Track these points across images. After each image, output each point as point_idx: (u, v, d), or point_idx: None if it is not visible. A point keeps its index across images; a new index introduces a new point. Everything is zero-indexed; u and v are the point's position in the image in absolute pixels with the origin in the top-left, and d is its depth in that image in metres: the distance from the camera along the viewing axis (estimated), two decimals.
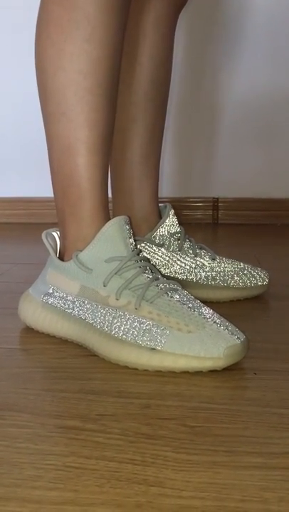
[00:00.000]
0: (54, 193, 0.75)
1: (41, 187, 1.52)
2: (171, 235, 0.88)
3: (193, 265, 0.87)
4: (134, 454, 0.48)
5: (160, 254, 0.87)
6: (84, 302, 0.69)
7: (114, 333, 0.66)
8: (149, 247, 0.86)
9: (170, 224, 0.88)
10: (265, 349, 0.70)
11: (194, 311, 0.66)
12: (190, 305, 0.67)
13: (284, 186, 1.45)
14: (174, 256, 0.87)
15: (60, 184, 0.73)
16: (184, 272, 0.87)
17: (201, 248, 0.91)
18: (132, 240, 0.70)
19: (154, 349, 0.63)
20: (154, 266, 0.84)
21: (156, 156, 0.92)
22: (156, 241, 0.87)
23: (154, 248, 0.87)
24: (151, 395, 0.58)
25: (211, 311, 0.68)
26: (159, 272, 0.86)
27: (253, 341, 0.72)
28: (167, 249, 0.87)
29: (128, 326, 0.65)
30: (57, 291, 0.72)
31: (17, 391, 0.59)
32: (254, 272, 0.90)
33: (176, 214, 0.95)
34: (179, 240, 0.89)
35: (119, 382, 0.61)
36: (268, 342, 0.72)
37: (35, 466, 0.47)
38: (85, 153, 0.70)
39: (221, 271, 0.88)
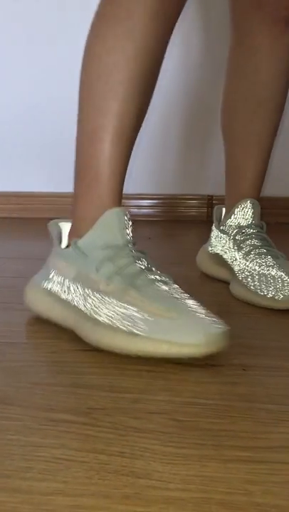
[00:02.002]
0: (74, 174, 0.79)
1: (33, 182, 1.52)
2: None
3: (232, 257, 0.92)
4: (123, 447, 0.49)
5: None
6: (77, 287, 0.71)
7: (100, 319, 0.68)
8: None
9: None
10: (255, 346, 0.71)
11: (179, 300, 0.67)
12: (176, 296, 0.68)
13: (278, 184, 1.46)
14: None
15: (79, 165, 0.77)
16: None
17: (262, 246, 0.90)
18: (128, 231, 0.72)
19: (137, 334, 0.64)
20: (149, 259, 0.83)
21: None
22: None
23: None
24: (141, 390, 0.59)
25: (198, 303, 0.69)
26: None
27: (242, 338, 0.73)
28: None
29: (113, 312, 0.67)
30: (57, 276, 0.75)
31: (9, 385, 0.60)
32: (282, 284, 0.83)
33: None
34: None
35: (111, 377, 0.62)
36: (258, 339, 0.73)
37: (26, 457, 0.47)
38: (106, 140, 0.73)
39: (245, 269, 0.88)
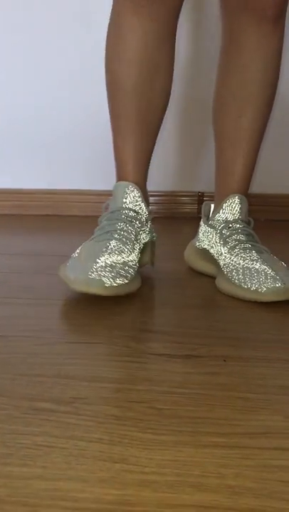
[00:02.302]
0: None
1: (30, 179, 1.53)
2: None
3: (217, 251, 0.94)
4: (102, 434, 0.50)
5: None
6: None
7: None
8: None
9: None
10: (238, 338, 0.72)
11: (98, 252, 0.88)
12: (103, 249, 0.88)
13: (268, 182, 1.47)
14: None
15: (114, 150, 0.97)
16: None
17: (247, 242, 0.92)
18: (125, 200, 0.92)
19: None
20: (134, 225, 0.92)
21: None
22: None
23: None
24: (123, 380, 0.61)
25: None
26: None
27: (226, 331, 0.75)
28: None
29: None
30: None
31: None
32: (270, 276, 0.84)
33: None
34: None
35: (94, 368, 0.63)
36: (241, 331, 0.75)
37: (7, 444, 0.49)
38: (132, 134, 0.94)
39: (230, 264, 0.90)
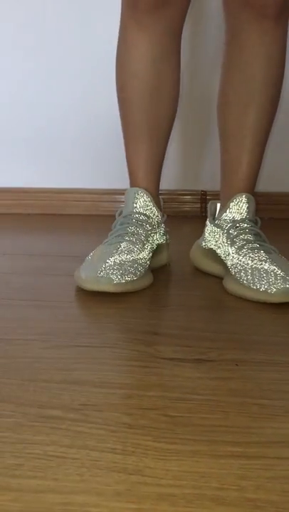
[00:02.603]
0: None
1: (27, 177, 1.51)
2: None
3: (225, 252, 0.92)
4: (114, 443, 0.49)
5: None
6: None
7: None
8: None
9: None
10: (248, 341, 0.70)
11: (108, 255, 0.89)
12: (114, 250, 0.90)
13: (271, 180, 1.45)
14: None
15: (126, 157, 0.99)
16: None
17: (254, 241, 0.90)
18: (136, 204, 0.93)
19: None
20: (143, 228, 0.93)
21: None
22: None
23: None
24: (133, 386, 0.59)
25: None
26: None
27: (235, 333, 0.73)
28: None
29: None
30: None
31: (0, 381, 0.60)
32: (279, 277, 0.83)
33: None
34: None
35: (103, 373, 0.62)
36: (251, 334, 0.73)
37: (16, 455, 0.47)
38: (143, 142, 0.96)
39: (238, 264, 0.88)
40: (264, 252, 0.88)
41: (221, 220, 0.93)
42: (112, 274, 0.84)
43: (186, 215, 1.50)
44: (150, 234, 0.93)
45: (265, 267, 0.85)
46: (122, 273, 0.84)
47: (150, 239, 0.93)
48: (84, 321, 0.77)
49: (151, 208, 0.94)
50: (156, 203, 0.97)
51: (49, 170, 1.51)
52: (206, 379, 0.61)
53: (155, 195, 0.98)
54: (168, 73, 0.94)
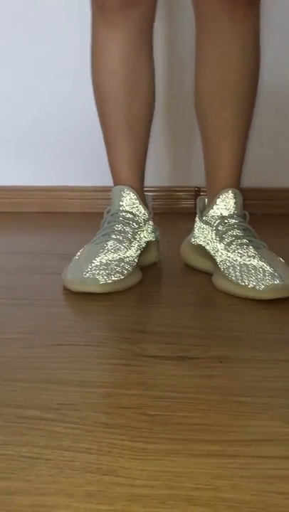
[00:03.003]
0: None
1: (20, 176, 1.51)
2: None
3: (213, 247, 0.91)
4: (90, 443, 0.48)
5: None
6: None
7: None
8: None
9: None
10: (234, 337, 0.69)
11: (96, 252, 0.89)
12: (100, 249, 0.89)
13: (264, 176, 1.44)
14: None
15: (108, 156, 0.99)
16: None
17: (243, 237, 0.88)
18: (122, 203, 0.92)
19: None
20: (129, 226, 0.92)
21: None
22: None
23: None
24: (114, 384, 0.58)
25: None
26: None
27: (222, 330, 0.72)
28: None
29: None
30: None
31: None
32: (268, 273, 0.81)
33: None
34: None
35: (84, 372, 0.61)
36: (237, 330, 0.72)
37: None
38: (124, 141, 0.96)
39: (227, 260, 0.87)
40: (253, 247, 0.86)
41: (208, 217, 0.92)
42: (98, 274, 0.83)
43: (180, 211, 1.49)
44: (137, 232, 0.92)
45: (254, 263, 0.83)
46: (108, 273, 0.84)
47: (137, 237, 0.92)
48: (70, 320, 0.77)
49: (137, 206, 0.93)
50: (142, 200, 0.96)
51: (42, 168, 1.50)
52: (188, 376, 0.60)
53: (140, 192, 0.97)
54: (142, 70, 0.93)
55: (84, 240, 0.96)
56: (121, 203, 0.93)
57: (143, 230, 0.93)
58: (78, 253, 0.91)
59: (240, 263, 0.84)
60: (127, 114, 0.94)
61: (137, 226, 0.92)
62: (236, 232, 0.89)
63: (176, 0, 1.37)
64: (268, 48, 1.37)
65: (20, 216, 1.48)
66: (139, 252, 0.91)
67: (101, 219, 0.96)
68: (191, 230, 1.03)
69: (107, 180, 1.01)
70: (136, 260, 0.90)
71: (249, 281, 0.82)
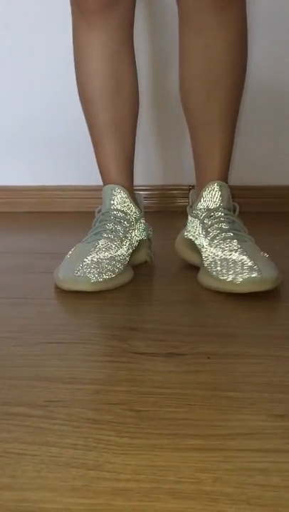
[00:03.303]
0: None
1: (15, 176, 1.51)
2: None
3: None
4: (76, 439, 0.48)
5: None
6: None
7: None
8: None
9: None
10: (222, 334, 0.70)
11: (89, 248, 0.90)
12: (91, 248, 0.90)
13: (258, 174, 1.44)
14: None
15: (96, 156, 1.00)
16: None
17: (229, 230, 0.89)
18: (113, 201, 0.93)
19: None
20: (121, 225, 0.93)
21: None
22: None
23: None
24: (102, 381, 0.59)
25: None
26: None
27: (210, 326, 0.72)
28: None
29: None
30: None
31: None
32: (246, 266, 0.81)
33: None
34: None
35: (73, 369, 0.61)
36: (224, 326, 0.72)
37: None
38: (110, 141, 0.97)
39: (210, 256, 0.87)
40: (237, 241, 0.86)
41: (196, 210, 0.93)
42: (90, 273, 0.84)
43: (175, 210, 1.49)
44: (128, 230, 0.92)
45: (234, 257, 0.83)
46: (99, 271, 0.84)
47: (129, 235, 0.92)
48: (61, 318, 0.77)
49: (128, 205, 0.94)
50: (133, 198, 0.97)
51: (36, 167, 1.51)
52: (176, 373, 0.60)
53: (131, 191, 0.97)
54: (124, 69, 0.94)
55: (76, 239, 0.97)
56: (112, 202, 0.94)
57: (134, 229, 0.93)
58: (70, 252, 0.91)
59: (221, 257, 0.85)
60: (113, 114, 0.94)
61: (128, 225, 0.92)
62: (222, 225, 0.89)
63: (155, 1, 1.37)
64: (266, 44, 1.38)
65: (12, 216, 1.48)
66: (130, 250, 0.92)
67: (93, 218, 0.96)
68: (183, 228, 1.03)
69: (100, 180, 1.01)
70: (127, 259, 0.90)
71: (228, 274, 0.82)
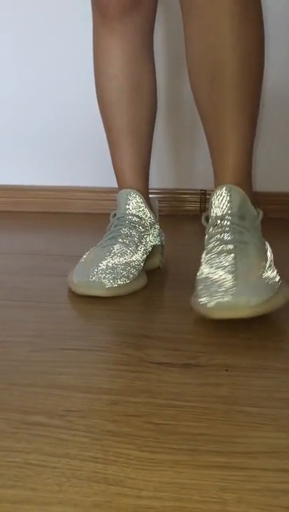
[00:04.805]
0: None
1: (24, 175, 1.51)
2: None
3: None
4: (97, 452, 0.48)
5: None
6: None
7: None
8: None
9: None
10: (238, 345, 0.69)
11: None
12: (101, 255, 0.90)
13: (269, 179, 1.44)
14: None
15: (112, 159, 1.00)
16: None
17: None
18: (128, 206, 0.92)
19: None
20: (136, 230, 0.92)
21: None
22: None
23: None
24: (120, 391, 0.58)
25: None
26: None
27: (225, 336, 0.72)
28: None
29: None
30: None
31: None
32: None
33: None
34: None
35: (89, 377, 0.61)
36: (239, 337, 0.72)
37: None
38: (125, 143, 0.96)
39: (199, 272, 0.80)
40: (234, 255, 0.76)
41: (209, 219, 0.83)
42: (105, 278, 0.83)
43: (187, 214, 1.49)
44: (143, 235, 0.92)
45: (216, 276, 0.73)
46: (114, 277, 0.84)
47: (143, 241, 0.92)
48: (74, 323, 0.77)
49: (143, 210, 0.93)
50: (148, 203, 0.97)
51: (48, 168, 1.50)
52: (193, 385, 0.60)
53: (146, 196, 0.97)
54: (143, 72, 0.94)
55: (88, 241, 0.97)
56: (127, 207, 0.93)
57: (149, 234, 0.93)
58: (84, 256, 0.91)
59: (206, 275, 0.76)
60: (130, 117, 0.94)
61: (143, 230, 0.92)
62: (224, 235, 0.79)
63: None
64: (278, 47, 1.37)
65: (23, 216, 1.48)
66: (145, 256, 0.91)
67: (105, 220, 0.96)
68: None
69: (112, 182, 1.01)
70: (142, 264, 0.90)
71: (204, 296, 0.72)
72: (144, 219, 0.93)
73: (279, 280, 0.75)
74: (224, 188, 0.81)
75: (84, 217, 1.45)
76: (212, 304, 0.70)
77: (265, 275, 0.74)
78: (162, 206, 1.46)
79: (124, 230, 0.91)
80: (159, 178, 1.47)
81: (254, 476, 0.45)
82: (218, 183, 0.84)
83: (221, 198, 0.81)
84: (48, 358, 0.65)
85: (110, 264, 0.85)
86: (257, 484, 0.44)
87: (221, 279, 0.73)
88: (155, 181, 1.46)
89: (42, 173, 1.51)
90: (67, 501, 0.42)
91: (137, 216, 0.93)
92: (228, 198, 0.80)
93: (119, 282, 0.84)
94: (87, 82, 1.42)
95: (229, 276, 0.73)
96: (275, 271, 0.77)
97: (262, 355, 0.67)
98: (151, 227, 0.94)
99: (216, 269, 0.75)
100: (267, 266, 0.76)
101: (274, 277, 0.75)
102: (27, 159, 1.50)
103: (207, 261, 0.78)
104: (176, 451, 0.48)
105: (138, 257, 0.89)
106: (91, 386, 0.59)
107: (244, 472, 0.45)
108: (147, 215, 0.93)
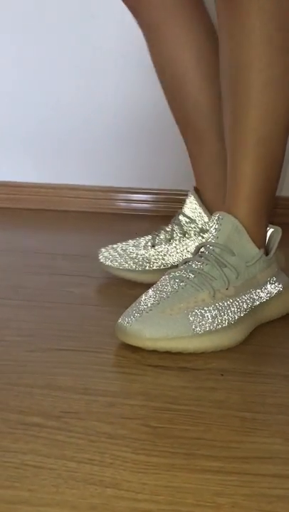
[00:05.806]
0: None
1: (22, 172, 1.51)
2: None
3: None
4: (93, 454, 0.48)
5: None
6: None
7: None
8: None
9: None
10: (234, 350, 0.70)
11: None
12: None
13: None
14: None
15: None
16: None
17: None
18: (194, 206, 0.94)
19: None
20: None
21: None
22: None
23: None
24: (116, 393, 0.58)
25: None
26: None
27: None
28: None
29: None
30: None
31: None
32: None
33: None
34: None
35: (87, 379, 0.61)
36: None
37: None
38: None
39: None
40: (186, 284, 0.69)
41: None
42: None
43: None
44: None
45: (143, 296, 0.71)
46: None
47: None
48: (71, 324, 0.77)
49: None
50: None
51: (45, 165, 1.50)
52: (190, 388, 0.60)
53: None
54: (206, 50, 0.87)
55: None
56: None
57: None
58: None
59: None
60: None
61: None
62: (194, 263, 0.72)
63: None
64: None
65: (20, 213, 1.47)
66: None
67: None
68: None
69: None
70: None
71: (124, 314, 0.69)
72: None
73: (222, 324, 0.68)
74: (218, 215, 0.73)
75: (81, 215, 1.45)
76: (118, 322, 0.68)
77: (196, 312, 0.67)
78: (161, 207, 1.46)
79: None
80: (157, 178, 1.47)
81: (249, 481, 0.46)
82: (215, 208, 0.86)
83: (212, 223, 0.74)
84: (45, 358, 0.66)
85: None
86: (251, 489, 0.45)
87: (141, 300, 0.70)
88: (153, 181, 1.46)
89: (39, 170, 1.50)
90: (64, 503, 0.42)
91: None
92: (216, 225, 0.73)
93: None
94: (84, 79, 1.42)
95: (151, 301, 0.68)
96: (226, 316, 0.69)
97: (257, 360, 0.67)
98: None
99: (153, 289, 0.71)
100: (211, 304, 0.68)
101: (212, 319, 0.68)
102: (24, 156, 1.50)
103: (161, 280, 0.73)
104: (172, 454, 0.49)
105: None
106: (88, 387, 0.59)
107: (239, 477, 0.46)
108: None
